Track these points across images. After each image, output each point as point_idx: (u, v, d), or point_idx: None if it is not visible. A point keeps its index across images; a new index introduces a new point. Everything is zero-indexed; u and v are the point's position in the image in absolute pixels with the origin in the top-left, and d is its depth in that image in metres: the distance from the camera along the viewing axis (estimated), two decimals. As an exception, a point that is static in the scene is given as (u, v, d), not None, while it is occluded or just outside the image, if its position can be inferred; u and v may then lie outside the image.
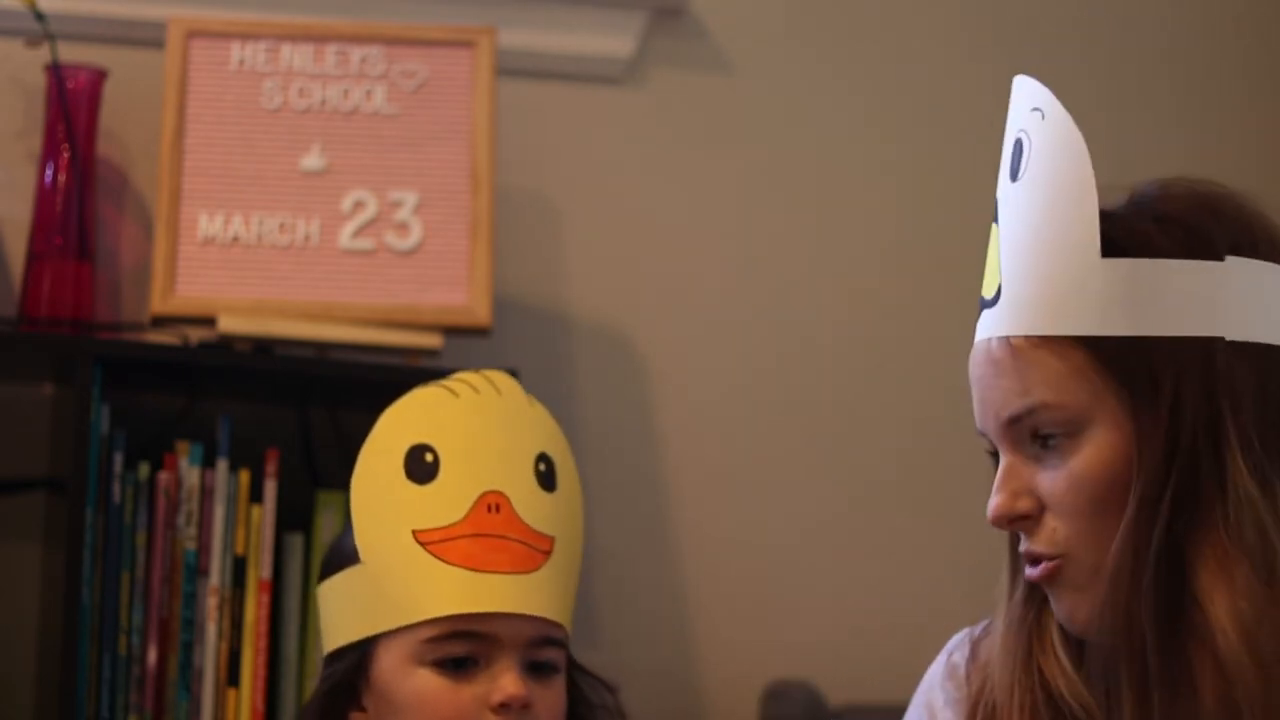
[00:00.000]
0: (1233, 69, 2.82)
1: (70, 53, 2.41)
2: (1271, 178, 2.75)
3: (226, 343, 2.34)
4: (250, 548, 2.30)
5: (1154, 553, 1.32)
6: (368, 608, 1.68)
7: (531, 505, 1.69)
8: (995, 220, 1.40)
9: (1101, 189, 1.40)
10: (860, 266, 2.70)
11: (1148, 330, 1.33)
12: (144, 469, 2.28)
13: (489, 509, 1.68)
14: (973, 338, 1.41)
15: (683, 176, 2.67)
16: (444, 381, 1.74)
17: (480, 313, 2.36)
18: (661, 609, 2.61)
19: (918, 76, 2.73)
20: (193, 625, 2.28)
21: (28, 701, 2.39)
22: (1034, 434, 1.36)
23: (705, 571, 2.62)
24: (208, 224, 2.37)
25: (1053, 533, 1.36)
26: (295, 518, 2.34)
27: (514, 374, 1.78)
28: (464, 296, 2.37)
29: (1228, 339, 1.33)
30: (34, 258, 2.36)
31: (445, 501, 1.67)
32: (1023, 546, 1.38)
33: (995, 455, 1.40)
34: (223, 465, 2.30)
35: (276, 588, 2.31)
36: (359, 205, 2.39)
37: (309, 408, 2.48)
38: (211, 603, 2.28)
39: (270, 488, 2.31)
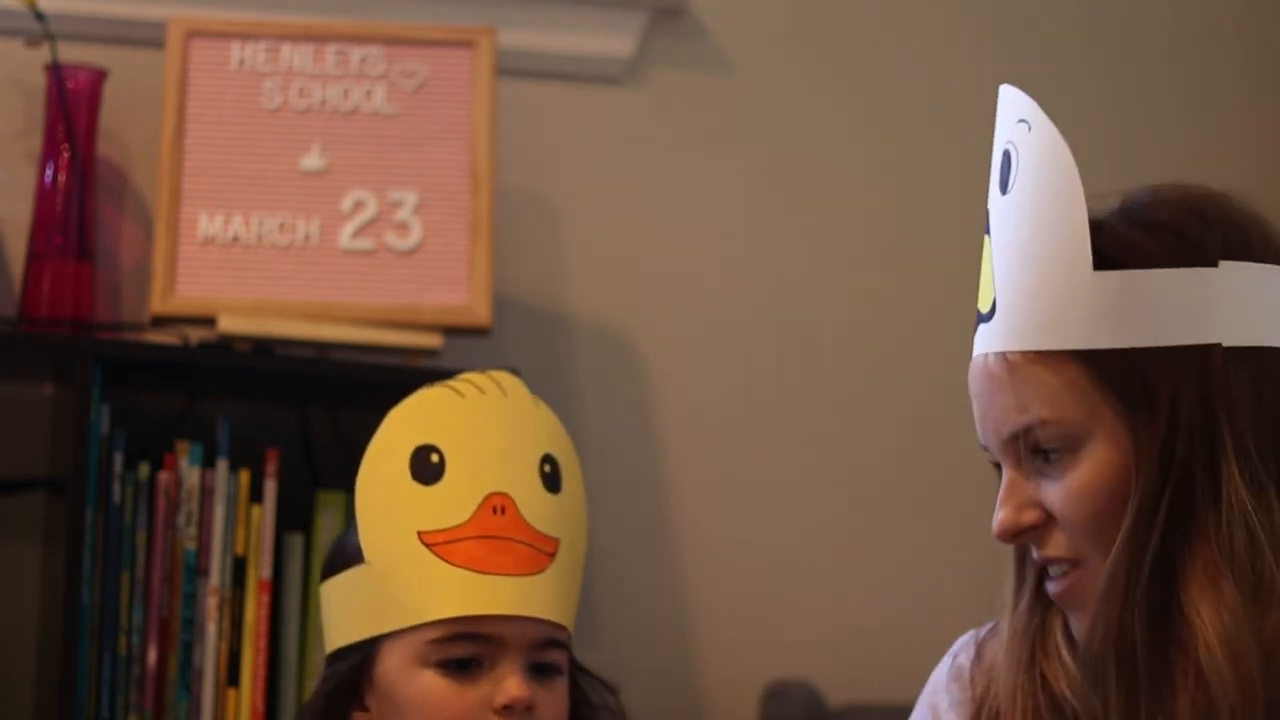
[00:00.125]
0: (1233, 69, 2.82)
1: (70, 53, 2.41)
2: (1271, 178, 2.75)
3: (226, 343, 2.34)
4: (250, 548, 2.30)
5: (1148, 564, 1.32)
6: (372, 608, 1.68)
7: (536, 506, 1.69)
8: (987, 232, 1.40)
9: (1095, 194, 1.40)
10: (860, 266, 2.70)
11: (1142, 342, 1.33)
12: (144, 469, 2.28)
13: (494, 510, 1.68)
14: (972, 339, 1.41)
15: (683, 176, 2.67)
16: (449, 382, 1.74)
17: (480, 313, 2.36)
18: (661, 609, 2.61)
19: (918, 76, 2.74)
20: (193, 625, 2.28)
21: (28, 701, 2.39)
22: (1035, 448, 1.36)
23: (705, 571, 2.62)
24: (208, 224, 2.37)
25: (1062, 540, 1.36)
26: (295, 518, 2.34)
27: (514, 374, 1.78)
28: (464, 296, 2.37)
29: (1224, 345, 1.32)
30: (34, 258, 2.36)
31: (450, 502, 1.67)
32: (1034, 555, 1.39)
33: (999, 465, 1.40)
34: (223, 465, 2.30)
35: (276, 588, 2.31)
36: (359, 205, 2.39)
37: (309, 408, 2.48)
38: (211, 603, 2.28)
39: (270, 488, 2.31)
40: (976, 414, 1.39)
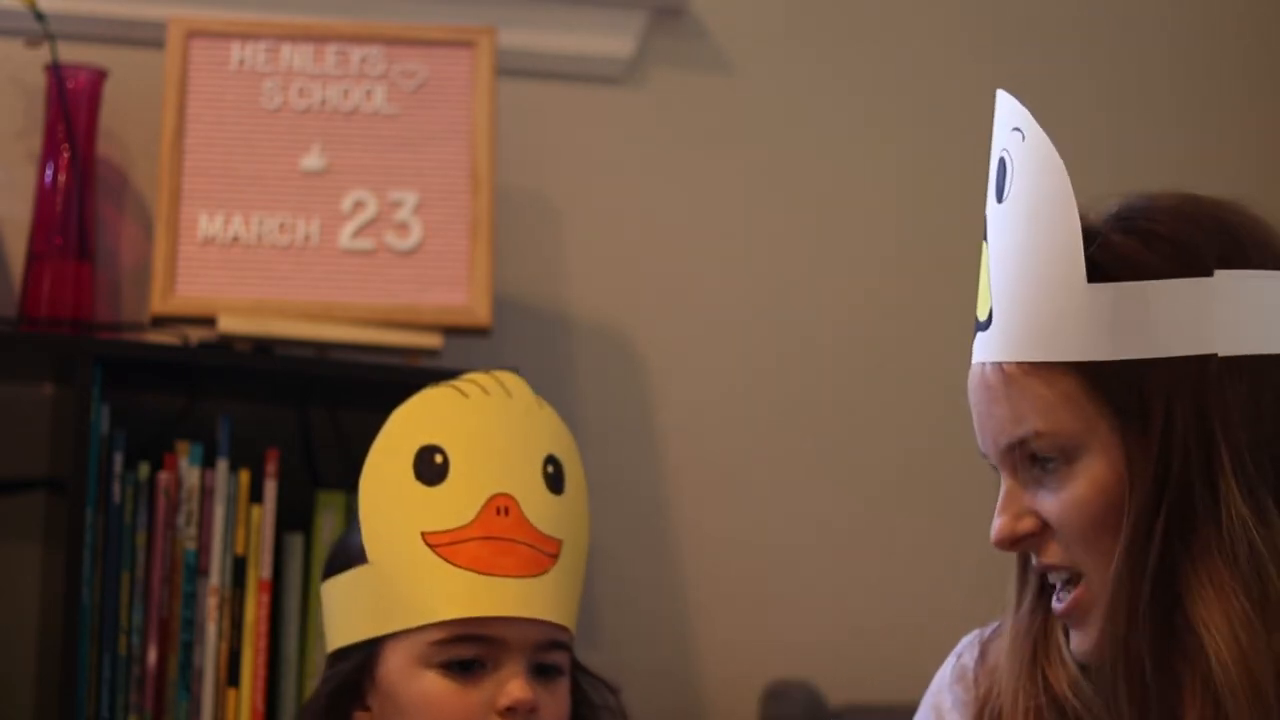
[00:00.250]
0: (1233, 69, 2.82)
1: (70, 53, 2.41)
2: (1271, 178, 2.75)
3: (226, 343, 2.34)
4: (250, 548, 2.29)
5: (1149, 579, 1.31)
6: (375, 608, 1.68)
7: (540, 508, 1.69)
8: (985, 239, 1.40)
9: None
10: (860, 267, 2.70)
11: (1136, 353, 1.32)
12: (144, 469, 2.28)
13: (498, 511, 1.68)
14: (971, 344, 1.41)
15: (683, 176, 2.67)
16: (454, 382, 1.74)
17: (480, 313, 2.36)
18: (661, 609, 2.61)
19: (918, 76, 2.73)
20: (193, 625, 2.28)
21: (28, 701, 2.39)
22: (1031, 459, 1.36)
23: (705, 571, 2.62)
24: (208, 224, 2.37)
25: (1059, 550, 1.36)
26: (295, 518, 2.34)
27: (516, 374, 1.78)
28: (464, 296, 2.37)
29: (1220, 354, 1.32)
30: (34, 258, 2.36)
31: (454, 503, 1.67)
32: (1034, 562, 1.39)
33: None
34: (223, 465, 2.30)
35: (276, 588, 2.31)
36: (359, 205, 2.39)
37: (309, 408, 2.48)
38: (211, 603, 2.28)
39: (270, 488, 2.30)
40: (975, 422, 1.39)
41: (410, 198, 2.39)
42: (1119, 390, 1.33)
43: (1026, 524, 1.37)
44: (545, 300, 2.61)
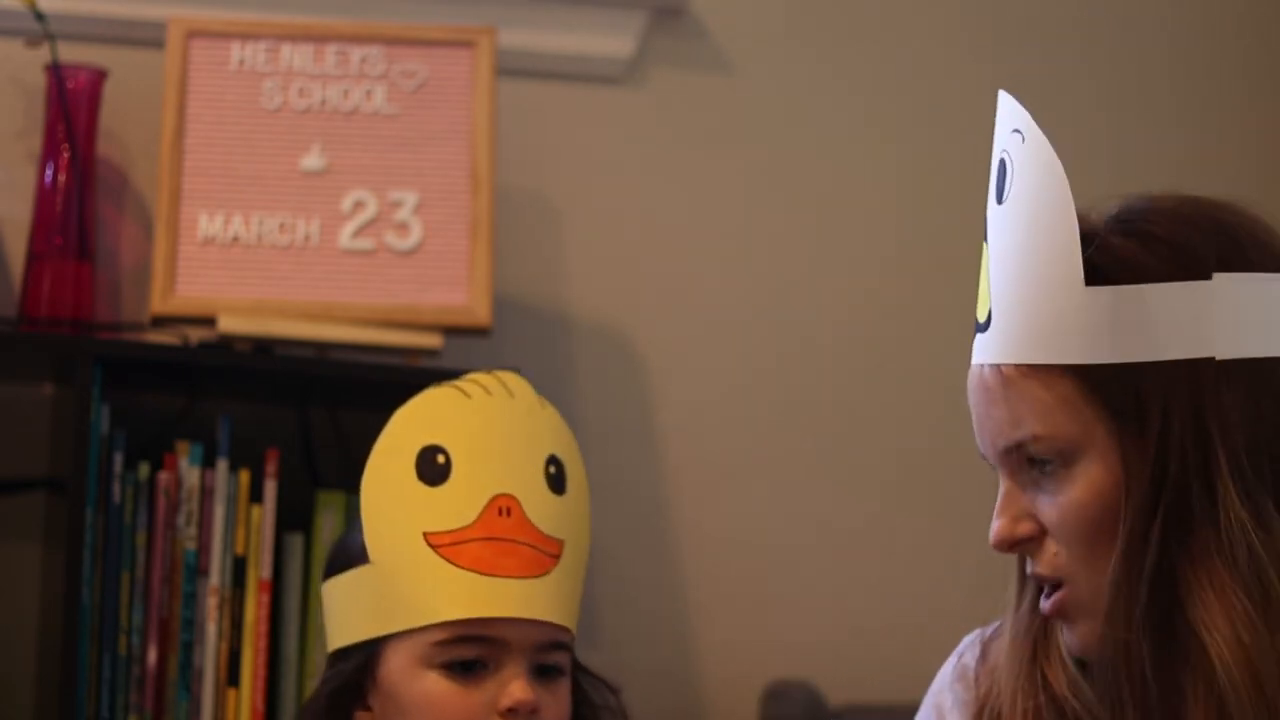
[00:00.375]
0: (1233, 69, 2.82)
1: (70, 53, 2.41)
2: (1271, 178, 2.75)
3: (226, 343, 2.34)
4: (250, 548, 2.29)
5: (1146, 583, 1.31)
6: (376, 608, 1.68)
7: (542, 508, 1.69)
8: (986, 240, 1.40)
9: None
10: (860, 267, 2.70)
11: (1134, 356, 1.32)
12: (144, 469, 2.28)
13: (500, 512, 1.68)
14: (971, 344, 1.41)
15: (683, 176, 2.67)
16: (456, 382, 1.74)
17: (480, 313, 2.36)
18: (661, 609, 2.61)
19: (918, 76, 2.73)
20: (193, 625, 2.28)
21: (28, 701, 2.39)
22: (1029, 461, 1.36)
23: (705, 571, 2.62)
24: (208, 224, 2.37)
25: (1054, 556, 1.36)
26: (295, 518, 2.34)
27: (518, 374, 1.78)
28: (464, 296, 2.37)
29: (1218, 358, 1.32)
30: (34, 258, 2.36)
31: (456, 504, 1.67)
32: (1029, 569, 1.39)
33: None
34: (223, 465, 2.30)
35: (276, 588, 2.31)
36: (359, 205, 2.39)
37: (309, 408, 2.48)
38: (211, 603, 2.28)
39: (270, 488, 2.30)
40: (974, 424, 1.39)
41: (410, 198, 2.39)
42: (1116, 393, 1.32)
43: (1025, 528, 1.37)
44: (545, 300, 2.61)
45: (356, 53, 2.44)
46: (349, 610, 1.72)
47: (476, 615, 1.65)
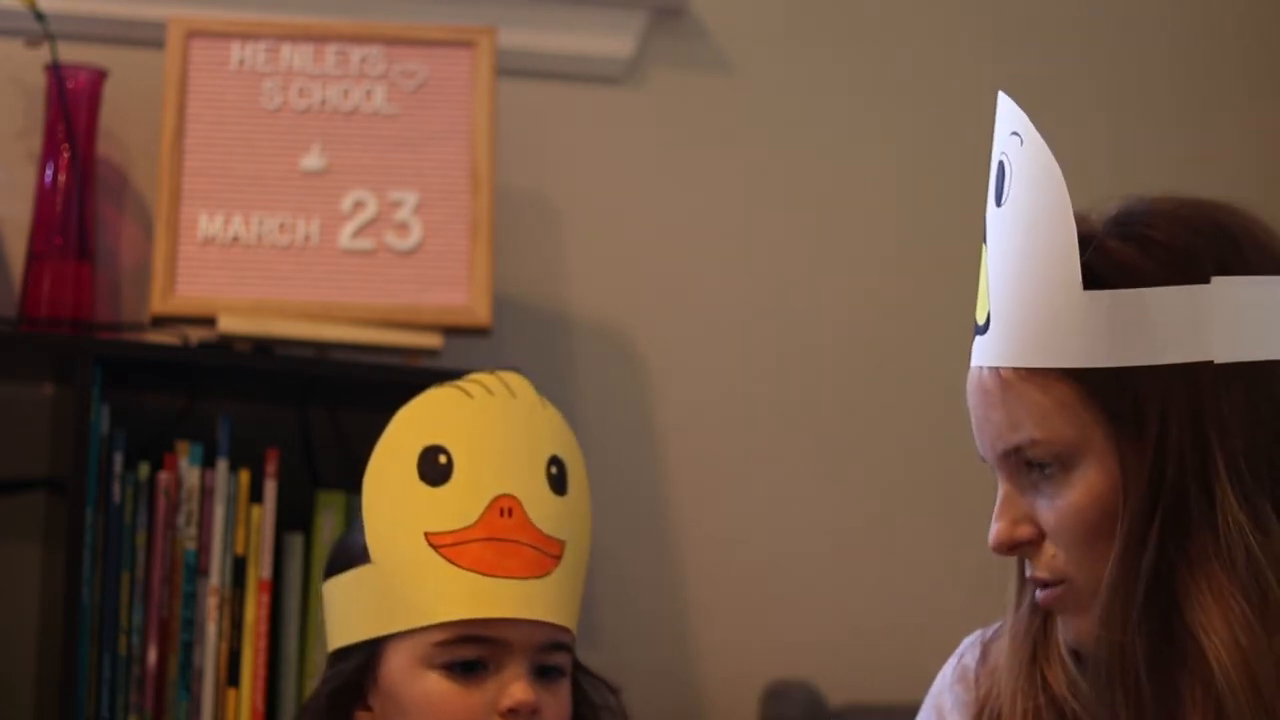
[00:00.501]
0: (1233, 69, 2.82)
1: (70, 53, 2.41)
2: (1271, 178, 2.75)
3: (226, 343, 2.34)
4: (250, 548, 2.29)
5: (1143, 586, 1.31)
6: (377, 608, 1.69)
7: (543, 509, 1.69)
8: (985, 241, 1.40)
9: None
10: (860, 266, 2.70)
11: (1132, 360, 1.32)
12: (144, 469, 2.28)
13: (501, 513, 1.68)
14: (970, 345, 1.40)
15: (683, 176, 2.67)
16: (458, 382, 1.74)
17: (480, 313, 2.36)
18: (661, 609, 2.61)
19: (918, 76, 2.73)
20: (193, 625, 2.28)
21: (28, 701, 2.39)
22: (1028, 464, 1.36)
23: (705, 571, 2.62)
24: (208, 224, 2.37)
25: (1052, 559, 1.36)
26: (295, 518, 2.34)
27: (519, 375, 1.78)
28: (464, 296, 2.37)
29: (1216, 361, 1.31)
30: (34, 258, 2.36)
31: (458, 504, 1.67)
32: (1028, 572, 1.39)
33: None
34: (223, 465, 2.30)
35: (276, 588, 2.31)
36: (359, 205, 2.39)
37: (309, 408, 2.48)
38: (211, 603, 2.28)
39: (270, 488, 2.30)
40: (974, 426, 1.39)
41: (410, 198, 2.39)
42: (1114, 397, 1.32)
43: (1024, 531, 1.37)
44: (545, 300, 2.61)
45: (356, 53, 2.44)
46: (350, 610, 1.72)
47: (477, 616, 1.65)
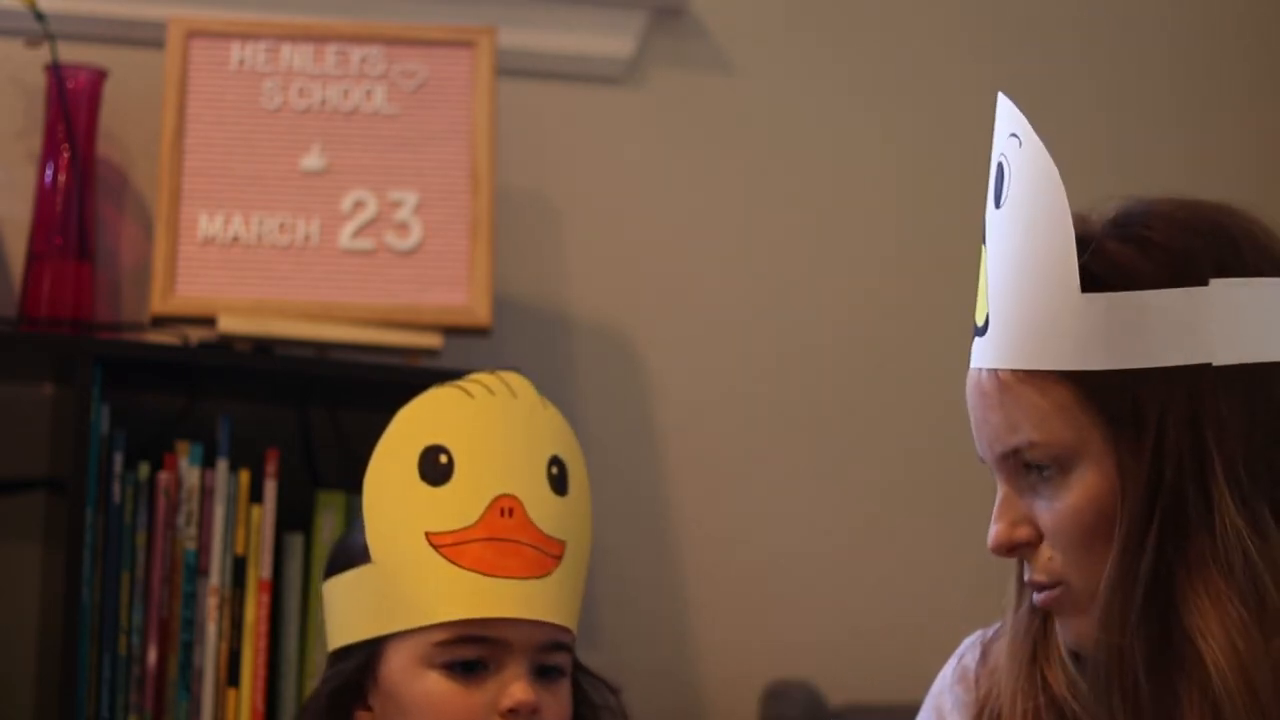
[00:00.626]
0: (1233, 69, 2.82)
1: (70, 53, 2.41)
2: (1271, 178, 2.76)
3: (226, 343, 2.34)
4: (250, 548, 2.29)
5: (1141, 589, 1.31)
6: (378, 608, 1.69)
7: (544, 509, 1.69)
8: (984, 243, 1.40)
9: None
10: (860, 267, 2.70)
11: (1130, 363, 1.32)
12: (144, 469, 2.28)
13: (502, 513, 1.68)
14: (970, 346, 1.40)
15: (683, 176, 2.67)
16: (459, 382, 1.75)
17: (480, 313, 2.36)
18: (661, 609, 2.61)
19: (918, 76, 2.73)
20: (193, 625, 2.28)
21: (28, 701, 2.39)
22: (1026, 466, 1.36)
23: (705, 571, 2.62)
24: (208, 224, 2.37)
25: (1049, 561, 1.36)
26: (295, 518, 2.34)
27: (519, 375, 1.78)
28: (464, 296, 2.37)
29: (1215, 364, 1.31)
30: (34, 258, 2.36)
31: (459, 504, 1.68)
32: (1026, 574, 1.39)
33: None
34: (223, 465, 2.30)
35: (276, 588, 2.31)
36: (359, 205, 2.39)
37: (309, 408, 2.48)
38: (211, 603, 2.28)
39: (270, 488, 2.30)
40: (972, 427, 1.39)
41: (410, 198, 2.39)
42: (1112, 400, 1.32)
43: (1022, 532, 1.37)
44: (545, 300, 2.61)
45: (356, 53, 2.44)
46: (350, 610, 1.72)
47: (478, 615, 1.65)
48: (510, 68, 2.54)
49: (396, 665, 1.68)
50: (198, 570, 2.28)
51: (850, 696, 2.54)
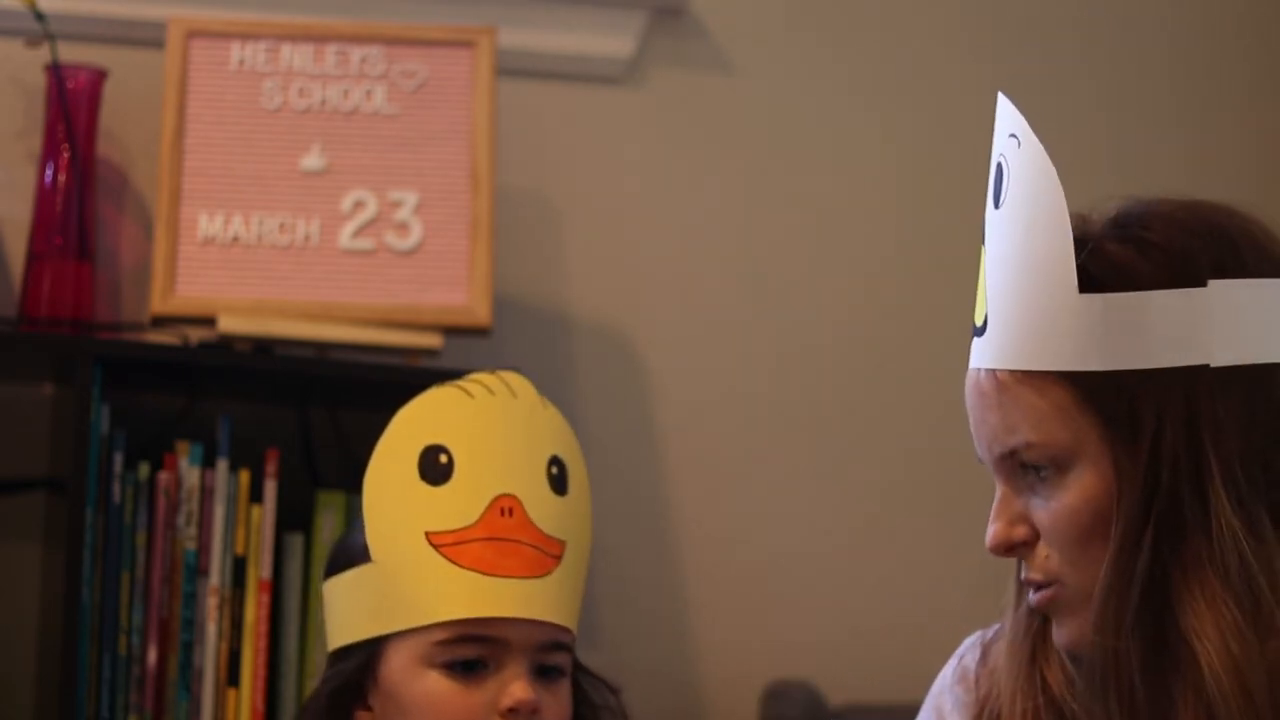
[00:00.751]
0: (1233, 69, 2.82)
1: (70, 53, 2.41)
2: (1271, 178, 2.75)
3: (226, 343, 2.34)
4: (250, 548, 2.29)
5: (1136, 590, 1.31)
6: (378, 607, 1.69)
7: (543, 509, 1.69)
8: (984, 243, 1.40)
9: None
10: (860, 267, 2.70)
11: (1128, 364, 1.32)
12: (144, 469, 2.28)
13: (502, 512, 1.68)
14: (969, 346, 1.40)
15: (683, 176, 2.67)
16: (459, 382, 1.75)
17: (480, 313, 2.36)
18: (661, 609, 2.61)
19: (918, 77, 2.73)
20: (193, 625, 2.28)
21: (28, 701, 2.39)
22: (1024, 467, 1.36)
23: (705, 571, 2.62)
24: (208, 224, 2.37)
25: (1046, 561, 1.36)
26: (295, 518, 2.34)
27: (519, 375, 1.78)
28: (464, 296, 2.37)
29: (1213, 365, 1.31)
30: (34, 258, 2.37)
31: (459, 504, 1.68)
32: (1022, 574, 1.39)
33: None
34: (223, 465, 2.30)
35: (276, 588, 2.31)
36: (359, 205, 2.39)
37: (309, 408, 2.48)
38: (211, 603, 2.28)
39: (270, 488, 2.30)
40: (971, 427, 1.39)
41: (410, 198, 2.39)
42: (1110, 401, 1.32)
43: (1020, 532, 1.37)
44: (545, 300, 2.61)
45: (356, 53, 2.44)
46: (350, 609, 1.72)
47: (478, 615, 1.66)
48: (510, 68, 2.54)
49: (397, 665, 1.68)
50: (198, 570, 2.28)
51: (850, 696, 2.54)
